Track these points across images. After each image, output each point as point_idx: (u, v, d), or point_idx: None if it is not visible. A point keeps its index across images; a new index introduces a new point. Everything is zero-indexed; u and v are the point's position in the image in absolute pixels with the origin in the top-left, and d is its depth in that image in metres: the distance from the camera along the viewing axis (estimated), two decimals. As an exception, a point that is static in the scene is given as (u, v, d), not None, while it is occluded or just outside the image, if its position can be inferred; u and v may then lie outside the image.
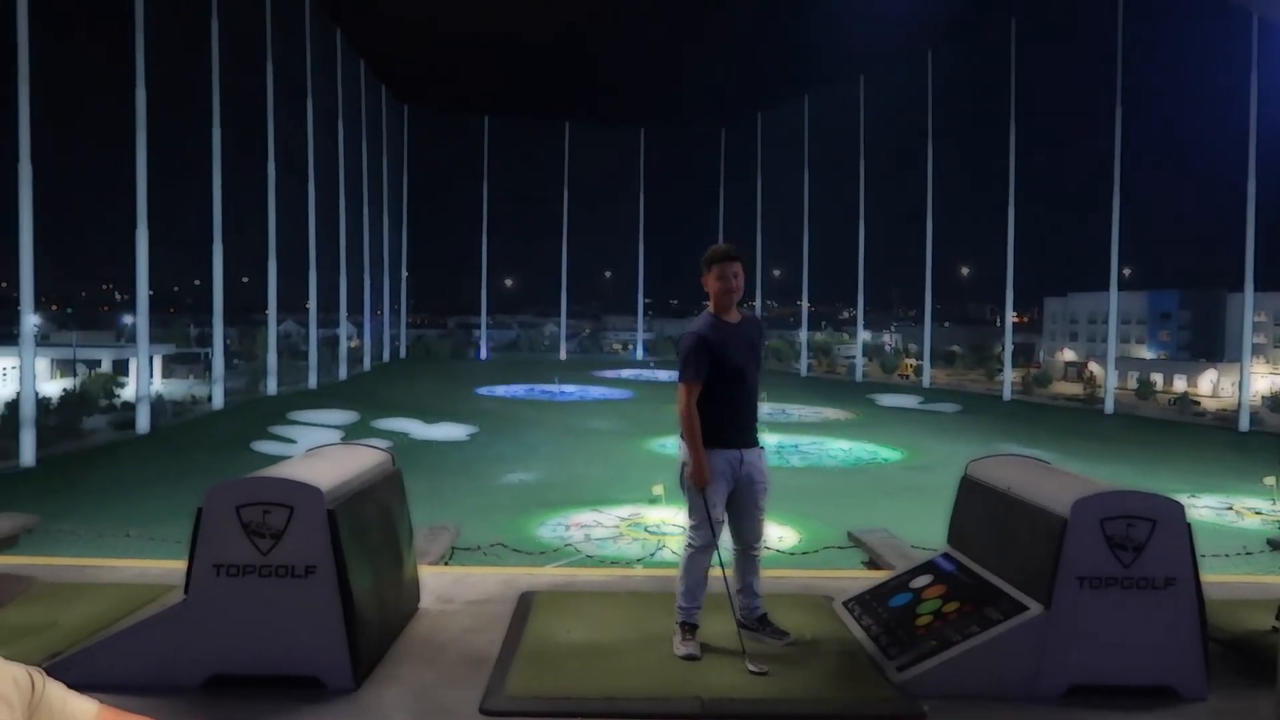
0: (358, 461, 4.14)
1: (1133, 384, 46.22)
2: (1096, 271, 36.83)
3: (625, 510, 16.02)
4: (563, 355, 57.28)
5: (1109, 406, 35.17)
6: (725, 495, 4.06)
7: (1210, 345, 59.73)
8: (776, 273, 54.65)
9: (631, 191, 56.98)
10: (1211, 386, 51.28)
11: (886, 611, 4.11)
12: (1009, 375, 41.21)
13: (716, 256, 4.15)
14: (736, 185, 55.32)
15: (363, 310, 43.79)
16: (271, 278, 32.02)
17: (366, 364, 44.28)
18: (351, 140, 40.82)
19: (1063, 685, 3.48)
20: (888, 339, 74.87)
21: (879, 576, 4.79)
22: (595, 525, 15.25)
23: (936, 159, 41.88)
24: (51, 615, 3.94)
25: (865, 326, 52.77)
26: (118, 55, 23.55)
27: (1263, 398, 39.01)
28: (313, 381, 35.36)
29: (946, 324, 71.72)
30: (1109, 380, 36.58)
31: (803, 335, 53.46)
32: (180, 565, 3.64)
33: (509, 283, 69.73)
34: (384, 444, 5.60)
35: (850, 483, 20.21)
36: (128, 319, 44.32)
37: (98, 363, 38.46)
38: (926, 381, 44.34)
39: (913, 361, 53.95)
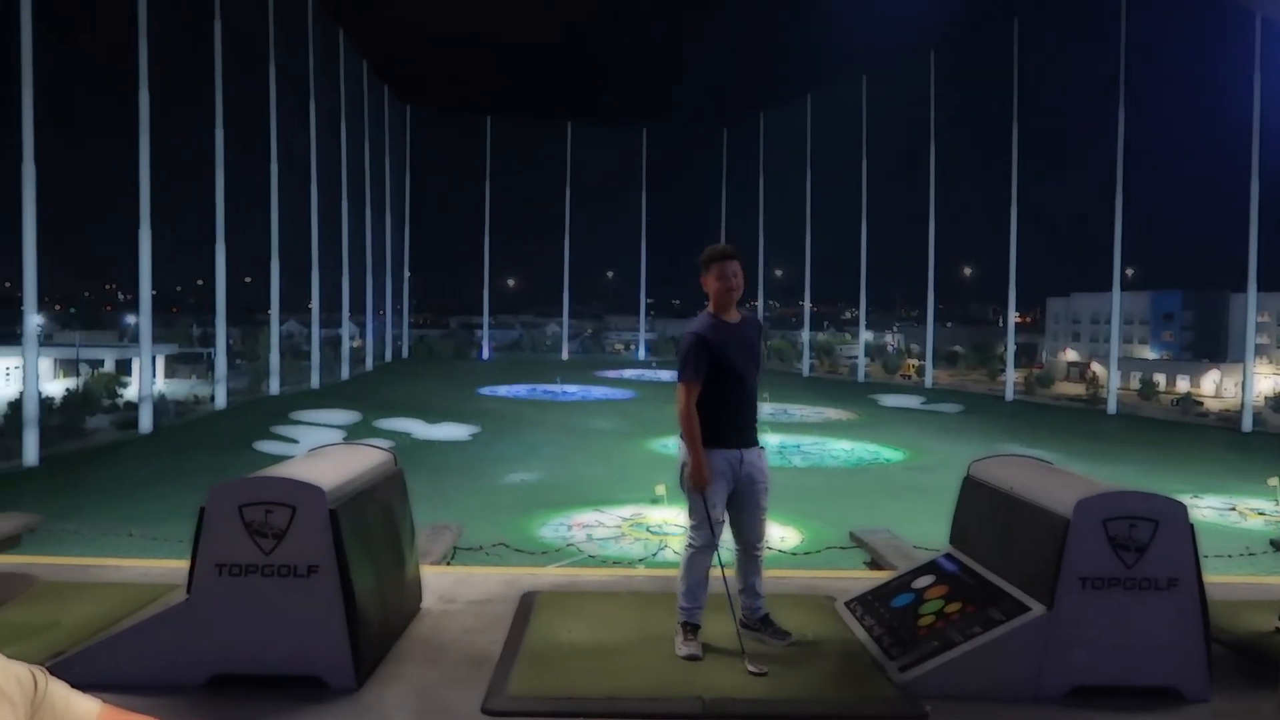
0: (360, 461, 4.14)
1: (1135, 384, 46.17)
2: (1099, 271, 36.81)
3: (627, 510, 16.02)
4: (565, 355, 57.30)
5: (1112, 407, 35.12)
6: (725, 495, 4.05)
7: (1213, 345, 59.65)
8: (779, 273, 54.68)
9: (633, 191, 57.00)
10: (1214, 387, 51.21)
11: (889, 612, 4.11)
12: (1011, 375, 41.16)
13: (715, 256, 4.14)
14: (738, 185, 55.34)
15: (365, 310, 43.81)
16: (274, 278, 32.05)
17: (369, 364, 44.30)
18: (354, 140, 40.84)
19: (1065, 686, 3.48)
20: (890, 339, 74.83)
21: (881, 577, 4.79)
22: (597, 525, 15.25)
23: (939, 159, 41.86)
24: (54, 614, 3.95)
25: (867, 327, 52.73)
26: (121, 55, 23.58)
27: (1266, 398, 38.94)
28: (315, 381, 35.38)
29: (949, 324, 71.70)
30: (1112, 380, 36.53)
31: (805, 335, 53.45)
32: (183, 565, 3.64)
33: (511, 283, 69.83)
34: (386, 444, 5.60)
35: (852, 483, 20.21)
36: (131, 319, 44.38)
37: (100, 362, 38.51)
38: (929, 382, 44.31)
39: (915, 362, 53.90)
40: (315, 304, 36.16)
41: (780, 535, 12.98)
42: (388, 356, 49.56)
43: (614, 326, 73.29)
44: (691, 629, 3.92)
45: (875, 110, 45.58)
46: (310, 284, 35.52)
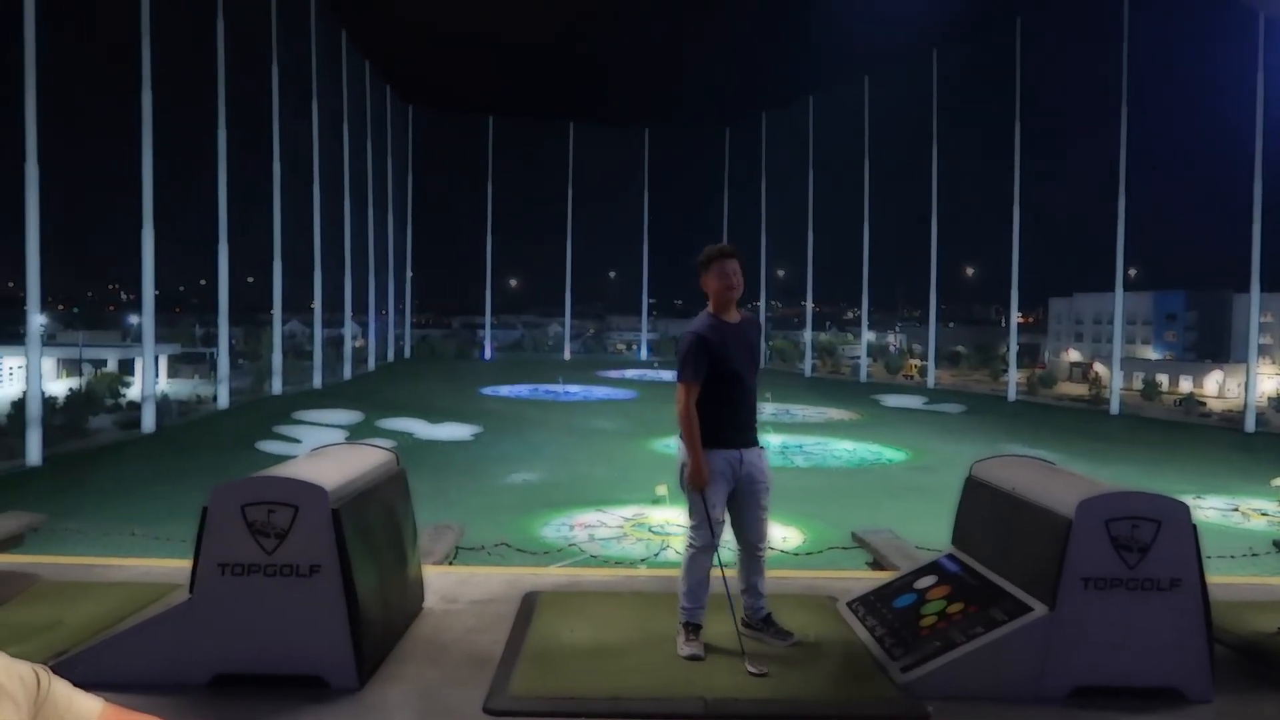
0: (362, 461, 4.14)
1: (1138, 385, 46.10)
2: (1102, 271, 36.73)
3: (629, 510, 16.02)
4: (567, 355, 57.30)
5: (1114, 407, 35.07)
6: (725, 495, 4.04)
7: (1216, 346, 59.57)
8: (781, 273, 54.64)
9: (636, 192, 56.98)
10: (1217, 387, 51.13)
11: (891, 612, 4.11)
12: (1014, 376, 41.09)
13: (714, 255, 4.12)
14: (741, 185, 55.29)
15: (367, 310, 43.85)
16: (277, 278, 32.08)
17: (371, 364, 44.33)
18: (356, 140, 40.88)
19: (1067, 686, 3.48)
20: (892, 339, 74.76)
21: (883, 577, 4.79)
22: (599, 525, 15.25)
23: (941, 158, 41.83)
24: (57, 614, 3.95)
25: (870, 327, 52.68)
26: (124, 55, 23.61)
27: (1269, 398, 38.88)
28: (317, 381, 35.41)
29: (951, 324, 71.55)
30: (1114, 381, 36.47)
31: (807, 335, 53.43)
32: (185, 564, 3.65)
33: (513, 283, 69.85)
34: (388, 444, 5.60)
35: (854, 483, 20.20)
36: (133, 319, 44.42)
37: (103, 362, 38.54)
38: (931, 382, 44.27)
39: (917, 362, 53.85)
40: (318, 304, 36.19)
41: (782, 535, 12.98)
42: (390, 356, 49.60)
43: (616, 326, 73.27)
44: (693, 629, 3.92)
45: (877, 110, 45.55)
46: (313, 284, 35.56)
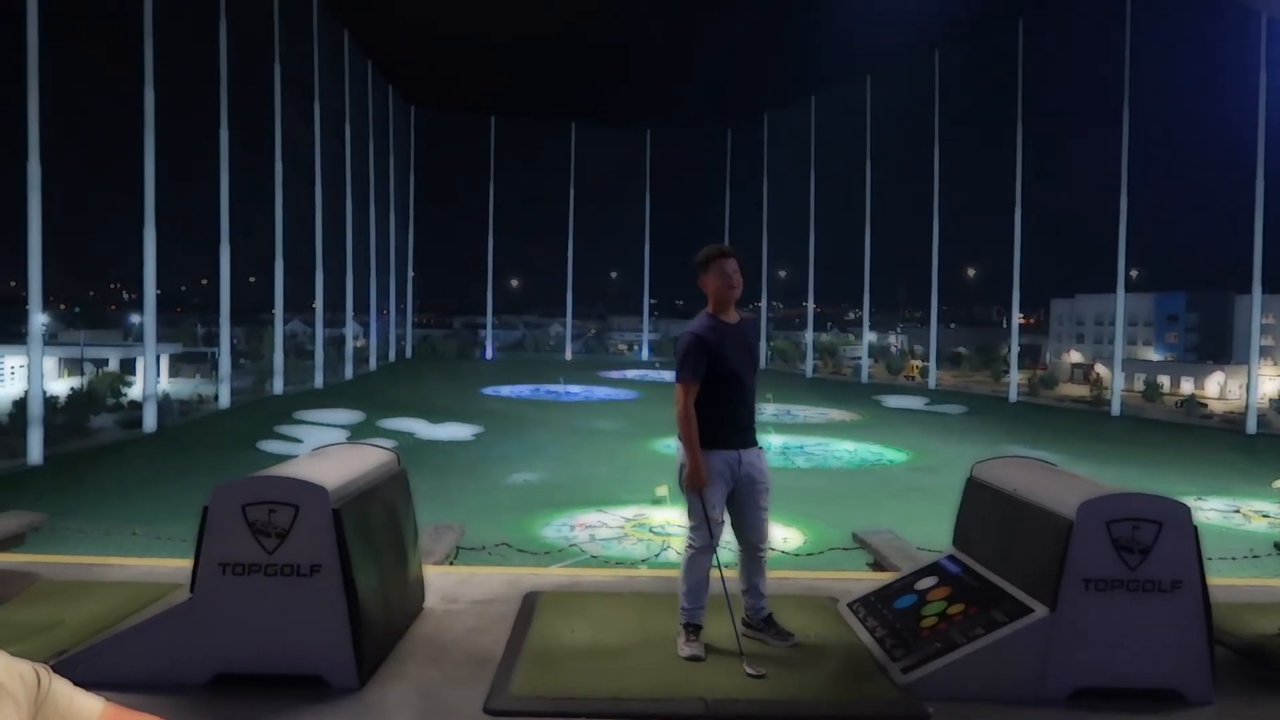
0: (363, 461, 4.14)
1: (1139, 386, 46.06)
2: (1103, 273, 36.72)
3: (630, 511, 16.02)
4: (568, 355, 57.30)
5: (1115, 408, 35.05)
6: (724, 496, 4.03)
7: (1218, 347, 59.54)
8: (782, 274, 54.60)
9: (637, 192, 56.98)
10: (1219, 389, 51.10)
11: (891, 613, 4.11)
12: (1015, 377, 41.07)
13: (713, 255, 4.10)
14: (742, 186, 55.29)
15: (369, 310, 43.87)
16: (278, 277, 32.09)
17: (372, 364, 44.35)
18: (358, 140, 40.90)
19: (1068, 688, 3.47)
20: (893, 340, 74.74)
21: (884, 578, 4.79)
22: (600, 526, 15.24)
23: (943, 159, 41.81)
24: (58, 613, 3.96)
25: (871, 328, 52.66)
26: (126, 55, 23.63)
27: (1270, 400, 38.84)
28: (319, 381, 35.42)
29: (952, 325, 71.54)
30: (1115, 382, 36.44)
31: (808, 336, 53.42)
32: (186, 564, 3.65)
33: (515, 283, 69.87)
34: (389, 443, 5.61)
35: (855, 484, 20.19)
36: (135, 318, 44.46)
37: (105, 362, 38.59)
38: (932, 383, 44.25)
39: (918, 363, 53.85)
40: (319, 304, 36.20)
41: (783, 536, 12.97)
42: (391, 356, 49.62)
43: (617, 327, 73.29)
44: (694, 630, 3.92)
45: (879, 111, 45.54)
46: (314, 284, 35.56)
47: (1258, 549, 8.40)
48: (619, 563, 10.26)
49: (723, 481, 4.00)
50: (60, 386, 30.27)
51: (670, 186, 57.79)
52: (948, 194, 41.87)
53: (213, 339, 38.64)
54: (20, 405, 21.40)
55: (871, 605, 4.28)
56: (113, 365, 37.60)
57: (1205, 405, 39.92)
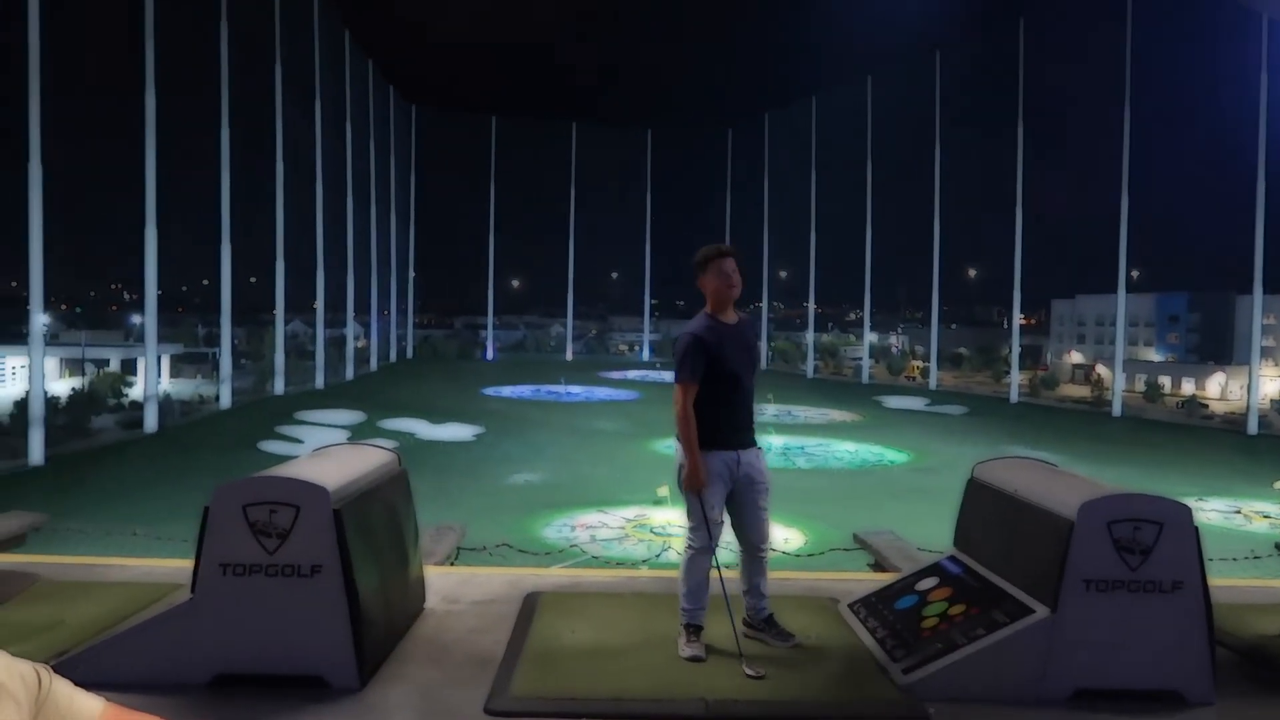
0: (364, 461, 4.14)
1: (1140, 387, 46.05)
2: (1104, 273, 36.71)
3: (631, 511, 16.02)
4: (569, 356, 57.31)
5: (1116, 409, 35.03)
6: (723, 496, 4.03)
7: (1219, 348, 59.51)
8: (783, 274, 54.60)
9: (638, 192, 57.00)
10: (1220, 389, 51.07)
11: (892, 614, 4.10)
12: (1016, 377, 41.06)
13: (712, 254, 4.08)
14: (743, 186, 55.30)
15: (370, 310, 43.88)
16: (279, 278, 32.10)
17: (373, 364, 44.36)
18: (359, 140, 40.92)
19: (1069, 689, 3.47)
20: (894, 341, 74.73)
21: (885, 579, 4.79)
22: (601, 526, 15.24)
23: (944, 160, 41.80)
24: (59, 613, 3.96)
25: (872, 328, 52.66)
26: (127, 55, 23.65)
27: (1271, 401, 38.82)
28: (320, 381, 35.43)
29: (953, 326, 71.51)
30: (1116, 383, 36.43)
31: (809, 337, 53.41)
32: (187, 564, 3.65)
33: (516, 283, 69.84)
34: (390, 444, 5.61)
35: (856, 485, 20.19)
36: (136, 318, 44.46)
37: (106, 362, 38.60)
38: (933, 383, 44.24)
39: (919, 363, 53.84)
40: (320, 304, 36.21)
41: (784, 537, 12.97)
42: (392, 357, 49.63)
43: (618, 327, 73.29)
44: (694, 630, 3.91)
45: (880, 111, 45.54)
46: (315, 284, 35.58)
47: (1259, 550, 8.39)
48: (620, 563, 10.27)
49: (721, 482, 3.99)
50: (61, 387, 30.29)
51: (671, 186, 57.83)
52: (948, 194, 41.88)
53: (214, 339, 38.64)
54: (21, 405, 21.41)
55: (872, 606, 4.28)
56: (114, 365, 37.62)
57: (1206, 406, 39.91)
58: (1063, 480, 4.04)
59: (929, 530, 6.61)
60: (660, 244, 57.89)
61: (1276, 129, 29.53)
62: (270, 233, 31.68)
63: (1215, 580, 3.64)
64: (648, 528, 14.98)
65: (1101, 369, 53.84)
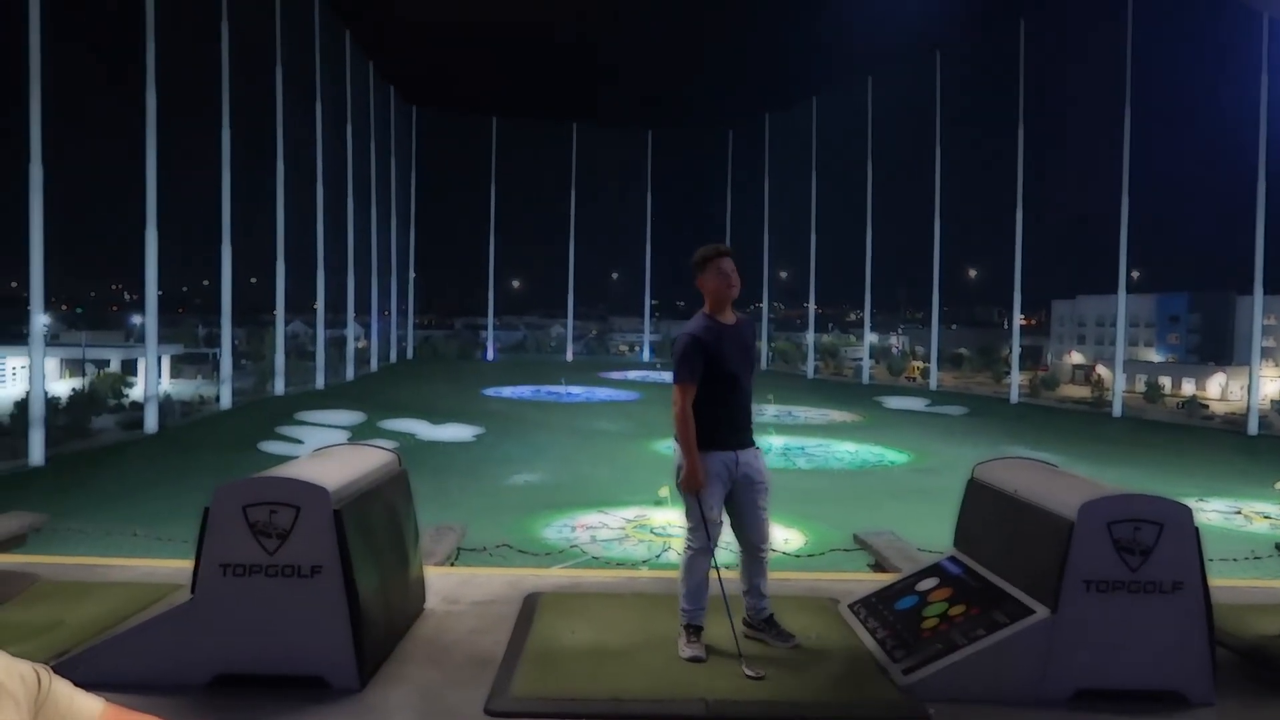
0: (364, 462, 4.14)
1: (1141, 387, 46.04)
2: (1104, 274, 36.72)
3: (631, 512, 16.01)
4: (569, 357, 57.32)
5: (1117, 409, 35.03)
6: (722, 497, 4.02)
7: (1219, 348, 59.50)
8: (783, 275, 54.62)
9: (638, 193, 57.01)
10: (1220, 390, 51.05)
11: (892, 614, 4.10)
12: (1016, 378, 41.05)
13: (710, 254, 4.07)
14: (743, 187, 55.30)
15: (370, 311, 43.89)
16: (279, 278, 32.11)
17: (374, 365, 44.37)
18: (360, 141, 40.93)
19: (1069, 689, 3.47)
20: (895, 341, 74.73)
21: (885, 579, 4.78)
22: (601, 527, 15.24)
23: (944, 160, 41.81)
24: (58, 614, 3.96)
25: (872, 329, 52.66)
26: (128, 56, 23.66)
27: (1272, 401, 38.81)
28: (320, 382, 35.44)
29: (954, 326, 71.52)
30: (1117, 383, 36.42)
31: (809, 337, 53.42)
32: (187, 565, 3.65)
33: (516, 284, 69.90)
34: (390, 444, 5.61)
35: (856, 485, 20.18)
36: (136, 319, 44.48)
37: (106, 362, 38.61)
38: (933, 384, 44.24)
39: (919, 364, 53.83)
40: (320, 304, 36.23)
41: (784, 537, 12.97)
42: (392, 357, 49.64)
43: (618, 328, 73.30)
44: (694, 631, 3.91)
45: (880, 111, 45.55)
46: (315, 284, 35.60)
47: (1259, 550, 8.39)
48: (620, 564, 10.27)
49: (720, 483, 3.99)
50: (62, 387, 30.29)
51: (671, 187, 57.85)
52: (949, 195, 41.88)
53: (214, 340, 38.67)
54: (22, 406, 21.42)
55: (873, 606, 4.28)
56: (114, 366, 37.62)
57: (1206, 406, 39.91)
58: (1063, 481, 4.04)
59: (929, 531, 6.61)
60: (660, 245, 57.93)
61: (1276, 129, 29.52)
62: (271, 233, 31.69)
63: (1215, 581, 3.64)
64: (648, 528, 14.98)
65: (1102, 369, 53.83)
